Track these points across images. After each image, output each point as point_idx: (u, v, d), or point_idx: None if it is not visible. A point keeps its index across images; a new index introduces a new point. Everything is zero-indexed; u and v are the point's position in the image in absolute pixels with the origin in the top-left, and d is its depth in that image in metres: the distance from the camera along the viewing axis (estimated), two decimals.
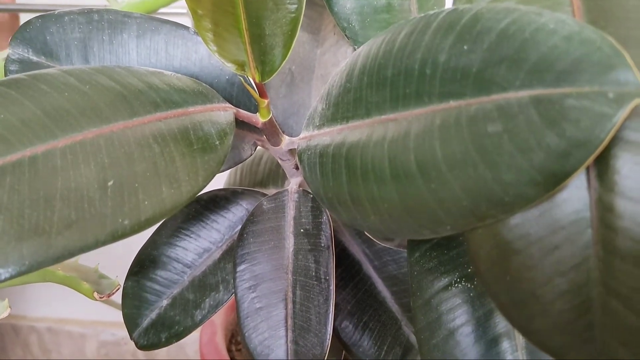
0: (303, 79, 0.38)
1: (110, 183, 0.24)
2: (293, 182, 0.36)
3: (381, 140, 0.25)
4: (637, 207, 0.18)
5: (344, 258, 0.38)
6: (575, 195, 0.19)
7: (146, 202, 0.24)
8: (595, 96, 0.17)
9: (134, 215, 0.24)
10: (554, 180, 0.18)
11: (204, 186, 0.26)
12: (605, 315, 0.19)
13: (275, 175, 0.46)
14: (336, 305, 0.37)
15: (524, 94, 0.19)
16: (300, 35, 0.38)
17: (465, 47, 0.21)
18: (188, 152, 0.27)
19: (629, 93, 0.17)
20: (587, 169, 0.19)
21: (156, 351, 0.91)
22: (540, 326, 0.20)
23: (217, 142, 0.28)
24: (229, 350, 0.58)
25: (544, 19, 0.19)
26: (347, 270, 0.38)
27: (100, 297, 0.29)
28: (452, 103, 0.22)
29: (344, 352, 0.38)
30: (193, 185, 0.26)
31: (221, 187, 0.41)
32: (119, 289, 0.30)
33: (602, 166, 0.19)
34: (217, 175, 0.44)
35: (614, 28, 0.20)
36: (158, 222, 0.25)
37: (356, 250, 0.38)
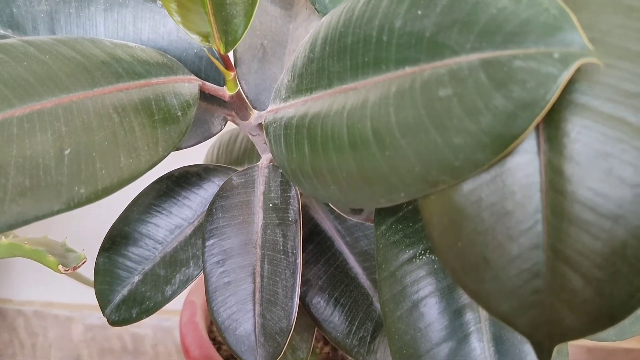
0: (275, 54, 0.37)
1: (67, 152, 0.24)
2: (264, 158, 0.36)
3: (341, 110, 0.24)
4: (585, 170, 0.18)
5: (316, 234, 0.38)
6: (525, 160, 0.19)
7: (104, 171, 0.24)
8: (541, 57, 0.17)
9: (90, 183, 0.24)
10: (502, 143, 0.18)
11: (164, 156, 0.26)
12: (553, 279, 0.19)
13: (251, 153, 0.46)
14: (307, 281, 0.37)
15: (474, 57, 0.19)
16: (272, 9, 0.38)
17: (419, 12, 0.21)
18: (149, 122, 0.26)
19: (574, 53, 0.17)
20: (537, 132, 0.19)
21: (142, 333, 0.91)
22: (490, 291, 0.20)
23: (180, 114, 0.28)
24: (210, 331, 0.58)
25: None
26: (319, 246, 0.38)
27: (65, 270, 0.29)
28: (408, 69, 0.21)
29: (315, 328, 0.38)
30: (152, 155, 0.25)
31: None
32: (84, 262, 0.30)
33: (552, 130, 0.19)
34: (195, 153, 0.44)
35: None
36: (116, 190, 0.25)
37: (328, 226, 0.38)
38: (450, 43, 0.20)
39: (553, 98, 0.17)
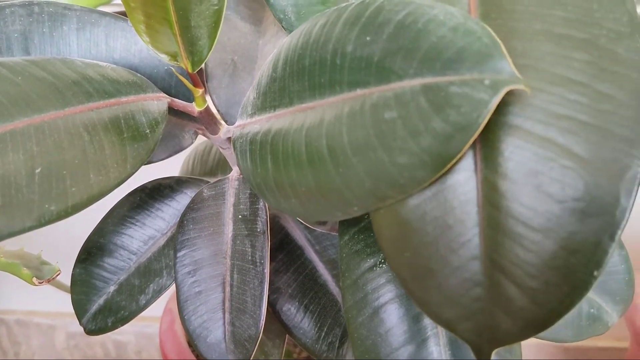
0: (245, 69, 0.39)
1: (38, 170, 0.25)
2: (235, 170, 0.37)
3: (300, 127, 0.26)
4: (517, 187, 0.20)
5: (287, 243, 0.39)
6: (463, 177, 0.21)
7: (74, 189, 0.25)
8: (474, 83, 0.19)
9: (61, 200, 0.25)
10: (441, 162, 0.20)
11: (133, 173, 0.27)
12: (491, 288, 0.20)
13: (224, 164, 0.47)
14: (278, 289, 0.38)
15: (416, 82, 0.20)
16: (242, 26, 0.39)
17: (368, 38, 0.22)
18: (118, 140, 0.28)
19: (503, 80, 0.18)
20: (475, 152, 0.21)
21: (125, 340, 0.91)
22: (435, 299, 0.21)
23: (148, 131, 0.29)
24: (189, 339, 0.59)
25: (435, 10, 0.21)
26: (290, 255, 0.39)
27: (40, 283, 0.30)
28: (359, 91, 0.23)
29: (287, 335, 0.40)
30: (121, 172, 0.27)
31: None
32: (59, 274, 0.31)
33: (488, 149, 0.20)
34: (171, 164, 0.45)
35: (502, 20, 0.21)
36: (86, 207, 0.26)
37: (299, 235, 0.39)
38: (395, 68, 0.21)
39: (484, 121, 0.18)
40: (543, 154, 0.20)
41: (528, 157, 0.20)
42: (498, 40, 0.19)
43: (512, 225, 0.20)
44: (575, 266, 0.19)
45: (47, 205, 0.25)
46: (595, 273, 0.19)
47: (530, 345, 0.84)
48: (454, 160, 0.19)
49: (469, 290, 0.21)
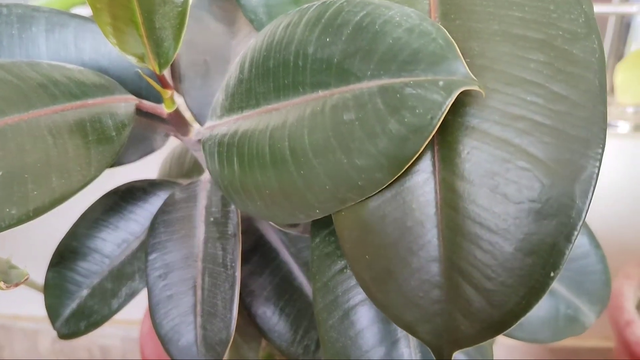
0: (218, 70, 0.38)
1: None
2: (207, 172, 0.37)
3: (265, 129, 0.26)
4: (474, 188, 0.20)
5: (261, 245, 0.39)
6: (422, 178, 0.21)
7: (35, 192, 0.25)
8: (428, 85, 0.19)
9: (21, 204, 0.25)
10: (397, 164, 0.19)
11: (97, 176, 0.27)
12: (449, 289, 0.20)
13: (200, 166, 0.47)
14: (252, 291, 0.38)
15: (373, 83, 0.20)
16: (215, 26, 0.39)
17: (328, 39, 0.22)
18: (82, 143, 0.27)
19: (457, 81, 0.18)
20: (433, 153, 0.21)
21: (110, 344, 0.91)
22: (395, 301, 0.21)
23: (114, 134, 0.28)
24: None
25: (392, 12, 0.20)
26: (264, 257, 0.39)
27: (7, 287, 0.30)
28: (320, 93, 0.23)
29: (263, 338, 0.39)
30: (85, 175, 0.26)
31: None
32: (27, 278, 0.31)
33: (446, 150, 0.20)
34: (149, 166, 0.45)
35: (461, 20, 0.21)
36: (48, 211, 0.25)
37: (273, 238, 0.39)
38: (354, 70, 0.21)
39: (438, 123, 0.18)
40: (500, 155, 0.19)
41: (485, 158, 0.20)
42: (452, 41, 0.19)
43: (470, 227, 0.20)
44: (532, 268, 0.19)
45: (7, 209, 0.24)
46: (552, 274, 0.19)
47: (516, 347, 0.84)
48: (410, 162, 0.19)
49: (428, 292, 0.21)
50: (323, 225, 0.31)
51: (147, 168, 0.43)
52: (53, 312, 0.38)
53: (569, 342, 0.85)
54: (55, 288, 0.38)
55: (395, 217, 0.21)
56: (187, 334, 0.33)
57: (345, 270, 0.30)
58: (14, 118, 0.27)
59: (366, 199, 0.21)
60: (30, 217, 0.25)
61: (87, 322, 0.37)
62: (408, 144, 0.19)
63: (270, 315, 0.38)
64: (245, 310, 0.38)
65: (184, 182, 0.40)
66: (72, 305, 0.38)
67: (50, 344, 0.92)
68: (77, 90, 0.30)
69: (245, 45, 0.39)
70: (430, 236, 0.20)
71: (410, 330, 0.21)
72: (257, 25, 0.35)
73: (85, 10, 0.55)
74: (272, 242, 0.39)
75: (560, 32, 0.20)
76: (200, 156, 0.37)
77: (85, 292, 0.38)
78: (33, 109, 0.28)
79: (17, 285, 0.30)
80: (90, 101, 0.30)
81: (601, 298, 0.41)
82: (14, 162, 0.25)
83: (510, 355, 0.85)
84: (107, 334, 0.90)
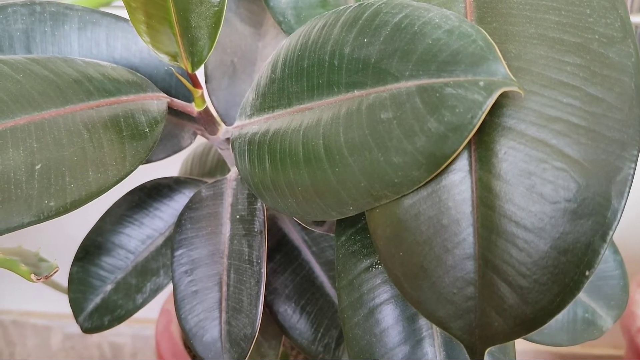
0: (245, 71, 0.39)
1: (37, 167, 0.25)
2: (233, 171, 0.37)
3: (298, 128, 0.26)
4: (510, 187, 0.20)
5: (284, 244, 0.39)
6: (459, 177, 0.21)
7: (72, 185, 0.26)
8: (469, 85, 0.19)
9: (59, 197, 0.25)
10: (435, 162, 0.20)
11: (131, 171, 0.27)
12: (483, 286, 0.21)
13: (223, 165, 0.47)
14: (274, 289, 0.38)
15: (412, 83, 0.21)
16: (242, 28, 0.39)
17: (365, 40, 0.23)
18: (117, 138, 0.28)
19: (497, 82, 0.19)
20: (470, 152, 0.21)
21: (121, 342, 0.91)
22: (428, 298, 0.21)
23: (147, 130, 0.29)
24: (185, 339, 0.59)
25: (431, 14, 0.21)
26: (287, 255, 0.39)
27: (38, 279, 0.30)
28: (356, 92, 0.23)
29: (283, 336, 0.40)
30: (120, 170, 0.27)
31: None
32: (57, 271, 0.31)
33: (483, 150, 0.21)
34: (169, 165, 0.45)
35: (498, 23, 0.22)
36: (84, 204, 0.26)
37: (296, 237, 0.40)
38: (391, 70, 0.21)
39: (479, 122, 0.19)
40: (536, 155, 0.20)
41: (521, 158, 0.20)
42: (492, 43, 0.19)
43: (506, 225, 0.20)
44: (567, 266, 0.19)
45: (46, 201, 0.25)
46: (587, 273, 0.19)
47: (526, 352, 0.84)
48: (449, 161, 0.20)
49: (462, 289, 0.21)
50: (349, 224, 0.32)
51: (166, 168, 0.43)
52: (77, 306, 0.39)
53: (577, 349, 0.85)
54: (79, 283, 0.39)
55: (430, 215, 0.21)
56: (212, 330, 0.33)
57: (370, 268, 0.31)
58: (50, 112, 0.28)
59: (401, 197, 0.22)
60: (67, 210, 0.25)
61: (111, 316, 0.37)
62: (447, 142, 0.19)
63: (291, 313, 0.38)
64: (267, 307, 0.38)
65: (208, 180, 0.41)
66: (96, 300, 0.38)
67: (61, 341, 0.92)
68: (111, 86, 0.30)
69: (273, 48, 0.39)
70: (466, 234, 0.21)
71: (443, 326, 0.21)
72: (285, 27, 0.36)
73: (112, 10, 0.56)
74: (294, 241, 0.39)
75: (597, 36, 0.20)
76: (227, 155, 0.37)
77: (109, 287, 0.38)
78: (69, 104, 0.28)
79: (47, 277, 0.31)
80: (123, 98, 0.30)
81: (619, 303, 0.41)
82: (52, 155, 0.26)
83: None
84: (118, 332, 0.90)
